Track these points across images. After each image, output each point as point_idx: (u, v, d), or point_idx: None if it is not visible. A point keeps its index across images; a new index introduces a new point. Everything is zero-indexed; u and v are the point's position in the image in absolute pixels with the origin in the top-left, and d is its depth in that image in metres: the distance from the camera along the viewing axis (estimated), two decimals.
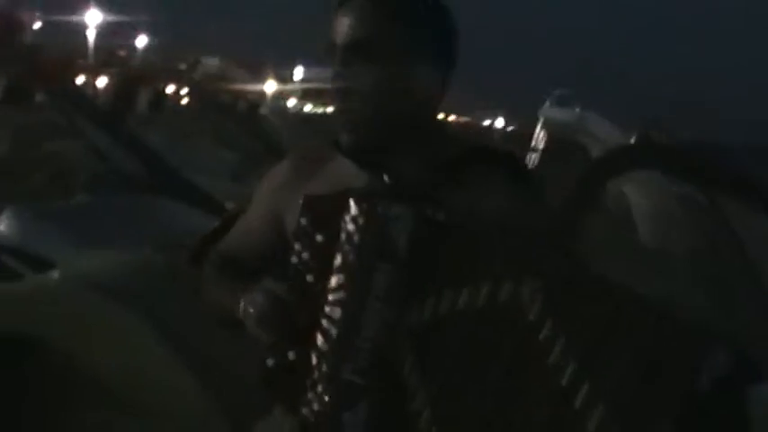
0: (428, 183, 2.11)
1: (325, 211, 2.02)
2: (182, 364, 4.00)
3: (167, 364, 3.99)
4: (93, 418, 3.82)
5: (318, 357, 1.97)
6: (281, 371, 2.06)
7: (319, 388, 1.98)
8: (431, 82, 2.16)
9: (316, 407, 1.98)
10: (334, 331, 1.95)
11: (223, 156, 16.36)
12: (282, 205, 2.28)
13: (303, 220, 2.05)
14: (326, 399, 1.97)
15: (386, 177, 2.12)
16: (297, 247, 2.06)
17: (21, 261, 6.12)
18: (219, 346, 4.23)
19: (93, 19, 71.08)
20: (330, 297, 1.96)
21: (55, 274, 4.36)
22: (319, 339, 1.96)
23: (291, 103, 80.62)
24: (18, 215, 7.01)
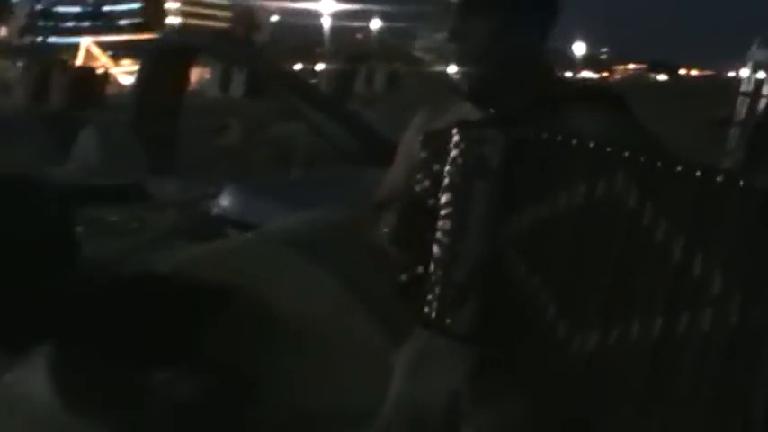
0: (529, 113, 2.33)
1: (440, 144, 2.29)
2: (358, 307, 4.54)
3: (344, 308, 4.53)
4: (276, 356, 4.39)
5: (434, 264, 2.26)
6: (411, 284, 2.34)
7: (436, 290, 2.25)
8: (534, 30, 2.42)
9: (434, 306, 2.26)
10: (445, 240, 2.23)
11: None
12: (415, 148, 2.51)
13: (423, 153, 2.33)
14: (443, 296, 2.24)
15: (491, 111, 2.40)
16: (419, 176, 2.33)
17: (241, 231, 6.85)
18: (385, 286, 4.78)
19: (327, 7, 72.74)
20: (441, 212, 2.25)
21: (255, 235, 4.97)
22: (435, 249, 2.27)
23: None
24: (238, 191, 7.80)
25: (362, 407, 4.11)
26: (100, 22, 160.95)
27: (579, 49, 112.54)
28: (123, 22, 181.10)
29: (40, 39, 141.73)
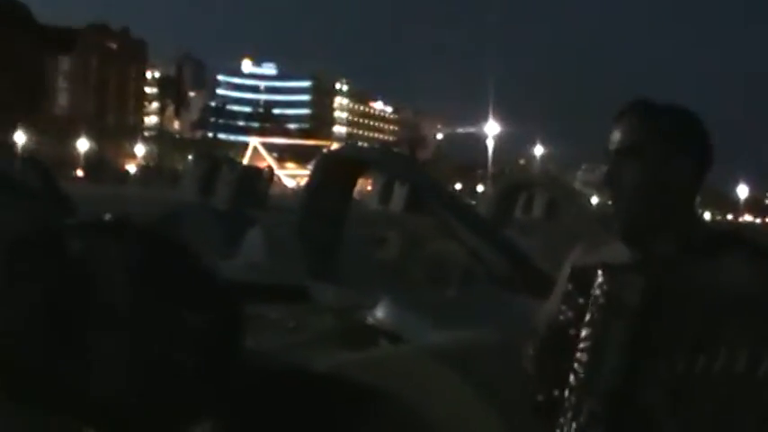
0: (674, 258, 2.49)
1: (586, 280, 2.48)
2: (500, 420, 4.84)
3: (489, 421, 4.83)
4: None
5: (569, 391, 2.44)
6: (546, 405, 2.53)
7: (569, 415, 2.45)
8: (687, 178, 2.60)
9: (566, 430, 2.44)
10: (581, 371, 2.42)
11: None
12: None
13: (569, 286, 2.53)
14: (573, 423, 2.44)
15: (641, 252, 2.55)
16: (563, 307, 2.54)
17: (392, 342, 7.22)
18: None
19: (491, 130, 73.38)
20: (580, 345, 2.44)
21: (407, 347, 5.33)
22: (571, 377, 2.44)
23: None
24: (393, 303, 8.19)
25: None
26: (269, 123, 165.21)
27: (743, 192, 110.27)
28: (291, 125, 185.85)
29: (210, 134, 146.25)
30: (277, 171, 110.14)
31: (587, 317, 2.44)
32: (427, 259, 14.03)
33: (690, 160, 2.61)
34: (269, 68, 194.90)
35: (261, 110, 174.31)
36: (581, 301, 2.49)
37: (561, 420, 2.47)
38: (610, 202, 2.68)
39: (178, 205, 26.93)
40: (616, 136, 2.64)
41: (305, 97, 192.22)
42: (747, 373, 2.28)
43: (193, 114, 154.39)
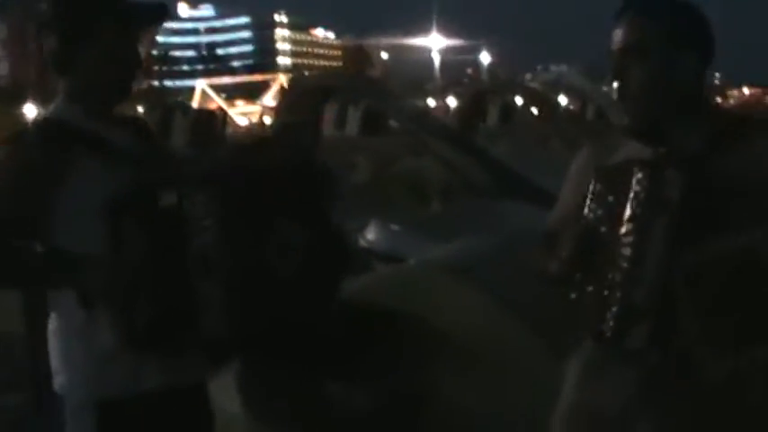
0: (699, 151, 2.60)
1: (615, 178, 2.62)
2: (513, 321, 4.96)
3: (502, 323, 4.95)
4: (444, 368, 4.82)
5: (613, 287, 2.55)
6: (581, 301, 2.66)
7: (614, 309, 2.55)
8: (693, 71, 2.69)
9: (611, 324, 2.57)
10: (625, 266, 2.53)
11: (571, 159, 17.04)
12: (585, 180, 2.79)
13: (597, 185, 2.64)
14: (619, 317, 2.55)
15: (662, 150, 2.65)
16: (592, 206, 2.65)
17: (387, 263, 7.30)
18: (546, 304, 5.19)
19: (436, 43, 73.32)
20: (622, 241, 2.54)
21: (412, 262, 5.42)
22: (614, 273, 2.54)
23: None
24: (383, 226, 8.27)
25: (518, 411, 4.57)
26: (213, 64, 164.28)
27: None
28: (236, 63, 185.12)
29: (156, 83, 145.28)
30: (228, 110, 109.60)
31: (627, 213, 2.54)
32: (402, 178, 14.09)
33: (695, 54, 2.69)
34: (207, 10, 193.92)
35: (204, 52, 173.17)
36: (610, 198, 2.60)
37: (607, 315, 2.58)
38: (619, 103, 2.76)
39: None
40: (619, 35, 2.70)
41: (246, 34, 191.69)
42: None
43: None
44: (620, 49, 2.69)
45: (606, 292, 2.57)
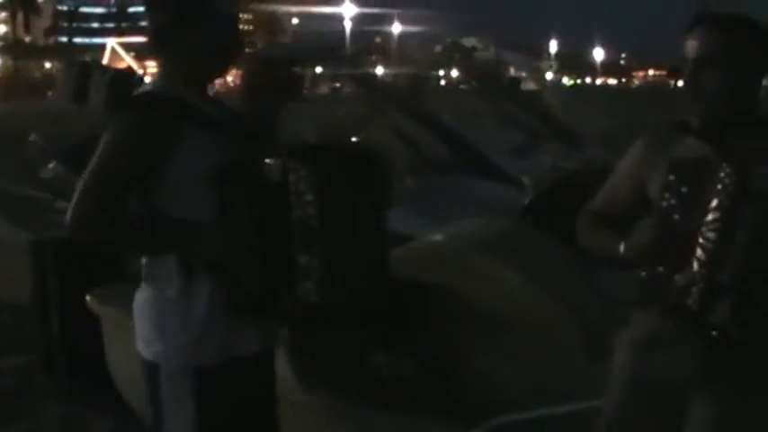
0: (762, 149, 2.92)
1: (689, 170, 2.96)
2: (544, 295, 5.23)
3: (531, 297, 5.22)
4: (474, 340, 5.07)
5: (698, 265, 2.89)
6: (654, 280, 3.01)
7: (700, 285, 2.90)
8: (757, 78, 3.11)
9: (697, 298, 2.91)
10: (710, 247, 2.86)
11: (505, 135, 17.38)
12: (644, 171, 3.25)
13: (672, 177, 2.96)
14: (704, 293, 2.89)
15: (723, 147, 2.98)
16: (666, 196, 2.97)
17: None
18: (573, 280, 5.51)
19: (348, 11, 73.07)
20: (708, 226, 2.87)
21: (440, 236, 5.62)
22: (699, 253, 2.88)
23: (549, 76, 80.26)
24: None
25: (549, 381, 4.83)
26: (124, 23, 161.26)
27: (599, 54, 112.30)
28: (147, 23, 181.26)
29: (65, 39, 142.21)
30: (138, 71, 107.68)
31: (714, 203, 2.86)
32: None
33: (760, 63, 3.09)
34: None
35: (114, 9, 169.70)
36: (684, 190, 2.93)
37: (693, 291, 2.91)
38: (692, 109, 3.15)
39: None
40: (694, 46, 3.06)
41: None
42: None
43: (45, 21, 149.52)
44: (694, 59, 3.05)
45: (695, 270, 2.90)
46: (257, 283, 3.08)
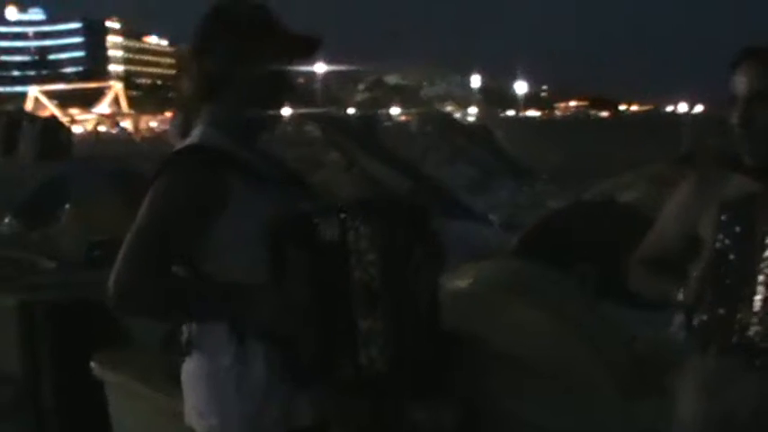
0: None
1: (742, 209, 2.93)
2: (574, 339, 5.19)
3: (562, 342, 5.17)
4: (507, 381, 5.02)
5: (762, 302, 2.86)
6: (712, 322, 2.96)
7: (764, 322, 2.87)
8: None
9: (753, 337, 2.89)
10: (764, 291, 2.86)
11: (461, 170, 17.39)
12: (693, 212, 3.19)
13: (724, 217, 2.93)
14: (761, 331, 2.87)
15: None
16: (719, 237, 2.92)
17: None
18: (602, 323, 5.48)
19: None
20: (761, 265, 2.85)
21: (460, 282, 5.55)
22: (760, 291, 2.87)
23: (473, 110, 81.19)
24: None
25: (584, 425, 4.81)
26: (45, 70, 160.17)
27: (521, 87, 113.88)
28: (68, 69, 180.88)
29: None
30: (61, 118, 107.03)
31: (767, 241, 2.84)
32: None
33: None
34: (36, 14, 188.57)
35: (35, 57, 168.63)
36: (737, 229, 2.90)
37: (749, 332, 2.91)
38: (743, 146, 3.09)
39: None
40: (743, 83, 3.03)
41: (77, 39, 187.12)
42: None
43: None
44: (746, 95, 3.02)
45: (748, 310, 2.89)
46: (316, 350, 2.90)
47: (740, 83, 3.05)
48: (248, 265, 2.91)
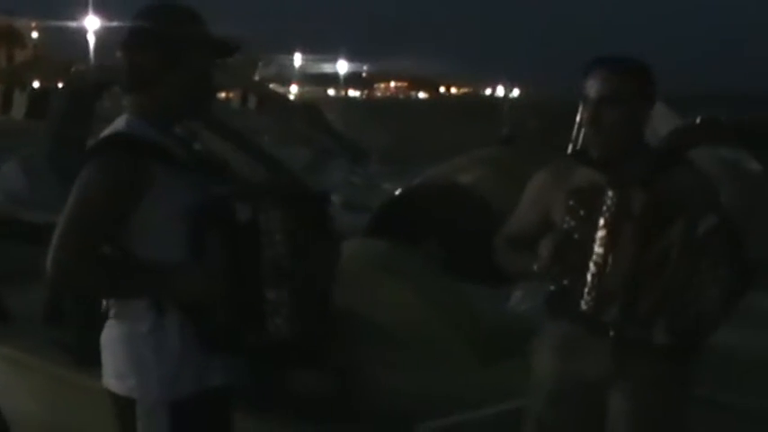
0: (643, 174, 3.40)
1: (586, 195, 3.38)
2: (435, 313, 5.67)
3: (425, 315, 5.64)
4: (378, 353, 5.45)
5: (591, 276, 3.32)
6: (560, 293, 3.45)
7: (593, 293, 3.33)
8: (647, 113, 3.51)
9: (591, 304, 3.33)
10: (600, 260, 3.32)
11: (294, 152, 17.58)
12: (548, 199, 3.58)
13: (571, 201, 3.39)
14: (597, 298, 3.32)
15: (619, 175, 3.40)
16: (566, 218, 3.38)
17: None
18: (460, 296, 5.94)
19: (92, 24, 70.64)
20: (598, 243, 3.31)
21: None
22: (591, 266, 3.32)
23: (294, 89, 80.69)
24: None
25: (440, 389, 5.31)
26: None
27: (342, 67, 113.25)
28: None
29: None
30: None
31: (602, 221, 3.31)
32: None
33: (650, 101, 3.56)
34: None
35: None
36: (582, 213, 3.37)
37: (587, 297, 3.35)
38: (591, 145, 3.56)
39: None
40: (595, 85, 3.48)
41: None
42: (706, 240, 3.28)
43: None
44: (595, 98, 3.47)
45: (589, 280, 3.33)
46: (227, 322, 3.19)
47: (590, 87, 3.48)
48: (169, 244, 3.18)
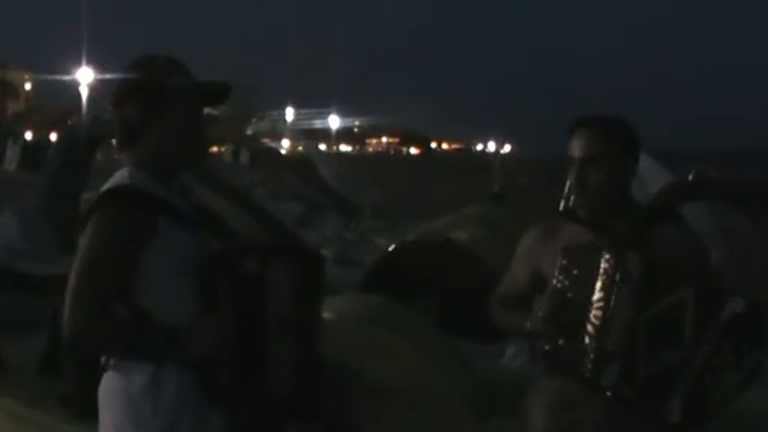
0: (636, 234, 3.46)
1: (578, 255, 3.37)
2: (431, 368, 5.69)
3: (420, 368, 5.67)
4: (373, 407, 5.44)
5: (589, 338, 3.29)
6: (555, 351, 3.39)
7: (591, 355, 3.30)
8: (631, 172, 3.55)
9: (590, 366, 3.30)
10: (598, 322, 3.29)
11: (286, 206, 17.65)
12: (537, 256, 3.61)
13: (564, 261, 3.36)
14: (596, 360, 3.30)
15: (603, 234, 3.46)
16: (560, 277, 3.35)
17: None
18: (454, 351, 5.97)
19: (84, 77, 70.68)
20: (594, 304, 3.29)
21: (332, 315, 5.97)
22: (588, 327, 3.29)
23: (286, 143, 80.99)
24: None
25: None
26: None
27: (334, 122, 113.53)
28: None
29: None
30: None
31: (599, 283, 3.31)
32: None
33: (635, 160, 3.61)
34: None
35: None
36: (575, 272, 3.35)
37: (585, 360, 3.33)
38: (579, 204, 3.60)
39: None
40: (579, 146, 3.52)
41: None
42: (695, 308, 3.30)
43: None
44: (580, 158, 3.50)
45: (586, 342, 3.32)
46: (233, 372, 3.20)
47: (575, 147, 3.53)
48: (175, 297, 3.20)
